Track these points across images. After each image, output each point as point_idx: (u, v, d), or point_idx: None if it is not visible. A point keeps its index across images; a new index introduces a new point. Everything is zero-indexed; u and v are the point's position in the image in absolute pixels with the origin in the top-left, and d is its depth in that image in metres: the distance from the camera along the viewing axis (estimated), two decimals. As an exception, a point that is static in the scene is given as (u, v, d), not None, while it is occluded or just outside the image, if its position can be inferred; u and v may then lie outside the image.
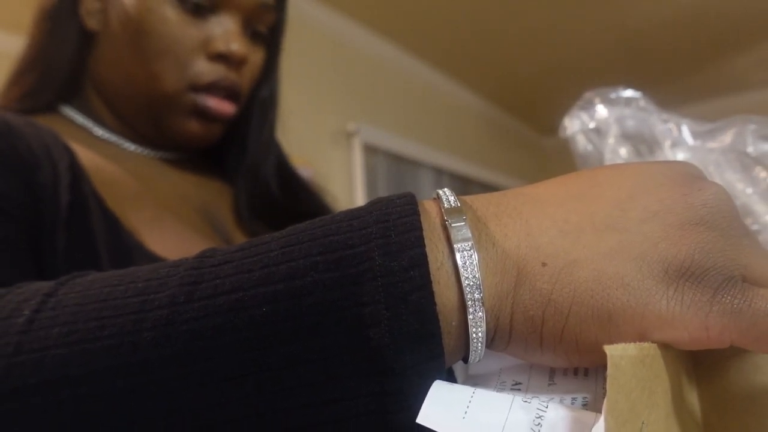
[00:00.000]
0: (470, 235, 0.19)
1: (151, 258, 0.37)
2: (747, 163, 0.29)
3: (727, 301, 0.18)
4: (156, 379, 0.18)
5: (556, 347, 0.19)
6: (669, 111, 0.34)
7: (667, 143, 0.30)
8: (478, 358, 0.20)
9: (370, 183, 2.47)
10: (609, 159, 0.29)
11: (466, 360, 0.20)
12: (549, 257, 0.19)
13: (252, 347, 0.18)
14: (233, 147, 0.53)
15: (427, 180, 2.95)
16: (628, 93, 0.34)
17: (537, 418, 0.18)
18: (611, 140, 0.30)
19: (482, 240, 0.20)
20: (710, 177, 0.30)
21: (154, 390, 0.18)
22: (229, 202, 0.52)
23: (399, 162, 2.71)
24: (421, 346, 0.18)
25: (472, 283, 0.19)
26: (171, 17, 0.44)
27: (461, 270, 0.19)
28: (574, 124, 0.33)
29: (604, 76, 3.30)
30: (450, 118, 3.31)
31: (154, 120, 0.47)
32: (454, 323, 0.19)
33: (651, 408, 0.17)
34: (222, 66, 0.46)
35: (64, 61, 0.46)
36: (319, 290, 0.18)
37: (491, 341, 0.20)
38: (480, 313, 0.19)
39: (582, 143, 0.32)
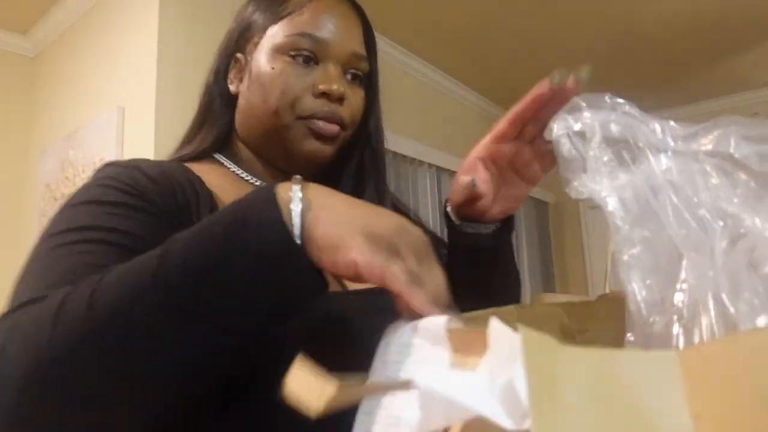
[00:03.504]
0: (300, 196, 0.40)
1: None
2: (728, 169, 0.30)
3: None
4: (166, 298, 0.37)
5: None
6: (660, 114, 0.34)
7: (650, 148, 0.30)
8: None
9: (370, 182, 2.47)
10: (591, 165, 0.30)
11: None
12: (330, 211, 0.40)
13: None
14: (347, 171, 0.70)
15: (427, 179, 2.95)
16: (615, 99, 0.35)
17: None
18: (594, 144, 0.31)
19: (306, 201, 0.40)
20: (696, 187, 0.30)
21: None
22: None
23: (399, 161, 2.71)
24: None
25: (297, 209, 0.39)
26: (286, 71, 0.62)
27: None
28: (559, 127, 0.34)
29: (605, 76, 3.29)
30: (450, 117, 3.31)
31: (282, 147, 0.64)
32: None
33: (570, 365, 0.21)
34: (324, 101, 0.62)
35: (220, 121, 0.67)
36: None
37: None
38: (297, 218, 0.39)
39: (566, 146, 0.32)
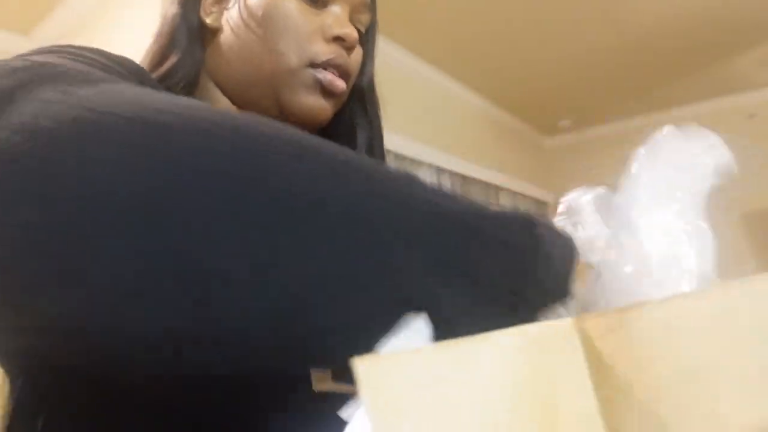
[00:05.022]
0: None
1: None
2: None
3: None
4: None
5: None
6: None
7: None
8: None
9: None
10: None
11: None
12: None
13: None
14: (341, 138, 0.59)
15: (427, 179, 2.96)
16: None
17: None
18: None
19: None
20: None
21: None
22: None
23: (399, 161, 2.72)
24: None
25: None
26: (292, 7, 0.53)
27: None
28: None
29: (605, 76, 3.31)
30: (450, 117, 3.32)
31: (276, 98, 0.53)
32: None
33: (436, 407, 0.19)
34: (337, 47, 0.54)
35: (192, 58, 0.55)
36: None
37: None
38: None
39: None
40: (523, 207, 3.89)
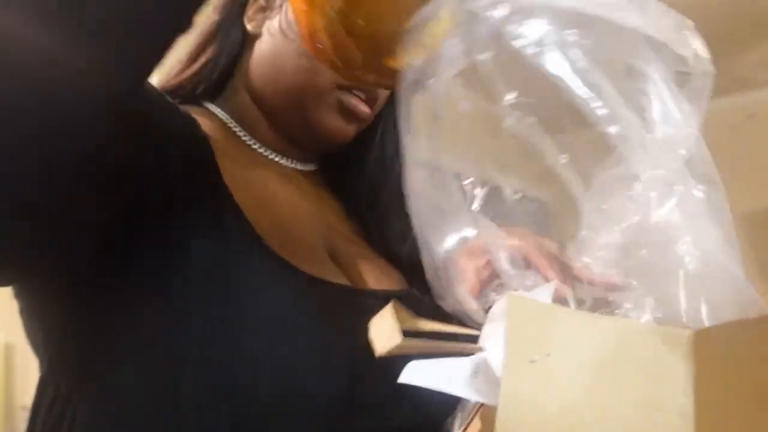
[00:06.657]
0: None
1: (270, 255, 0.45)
2: None
3: None
4: None
5: None
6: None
7: None
8: None
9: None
10: None
11: None
12: None
13: None
14: (354, 167, 0.62)
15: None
16: None
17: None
18: None
19: None
20: None
21: None
22: (344, 222, 0.59)
23: (399, 162, 2.72)
24: None
25: None
26: None
27: None
28: None
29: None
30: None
31: (301, 114, 0.54)
32: None
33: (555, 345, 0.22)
34: None
35: (224, 60, 0.57)
36: None
37: None
38: None
39: None
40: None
